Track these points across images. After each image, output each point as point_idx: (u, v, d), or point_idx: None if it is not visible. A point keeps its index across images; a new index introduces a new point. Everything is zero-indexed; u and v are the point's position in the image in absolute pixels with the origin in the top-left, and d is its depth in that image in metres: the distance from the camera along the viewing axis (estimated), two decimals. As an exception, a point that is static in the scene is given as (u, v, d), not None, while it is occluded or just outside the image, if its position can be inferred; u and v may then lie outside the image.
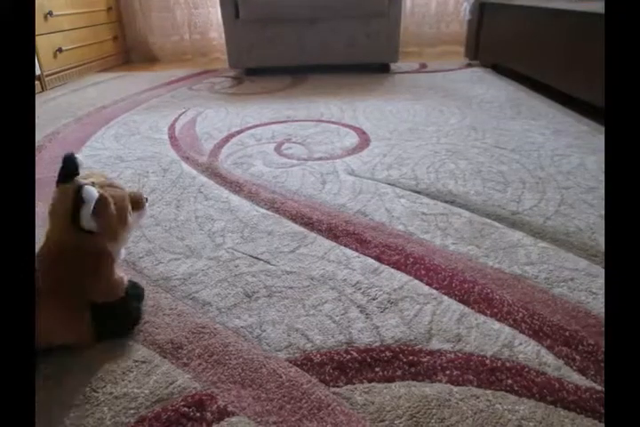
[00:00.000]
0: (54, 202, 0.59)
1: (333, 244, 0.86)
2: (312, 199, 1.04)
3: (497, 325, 0.65)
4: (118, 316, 0.65)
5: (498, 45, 2.23)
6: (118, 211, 0.61)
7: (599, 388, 0.55)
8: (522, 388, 0.55)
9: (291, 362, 0.60)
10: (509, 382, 0.56)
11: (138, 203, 0.66)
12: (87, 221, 0.57)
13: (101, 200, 0.57)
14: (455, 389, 0.55)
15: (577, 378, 0.56)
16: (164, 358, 0.61)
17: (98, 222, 0.58)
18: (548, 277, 0.74)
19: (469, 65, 2.55)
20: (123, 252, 0.68)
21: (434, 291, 0.72)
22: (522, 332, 0.63)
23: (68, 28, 2.47)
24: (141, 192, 0.68)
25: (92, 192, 0.56)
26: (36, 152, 1.40)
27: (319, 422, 0.51)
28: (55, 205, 0.59)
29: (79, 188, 0.56)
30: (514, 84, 2.07)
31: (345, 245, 0.85)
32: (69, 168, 0.60)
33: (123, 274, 0.66)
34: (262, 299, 0.72)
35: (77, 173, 0.60)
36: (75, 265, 0.60)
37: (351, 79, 2.31)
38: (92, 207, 0.56)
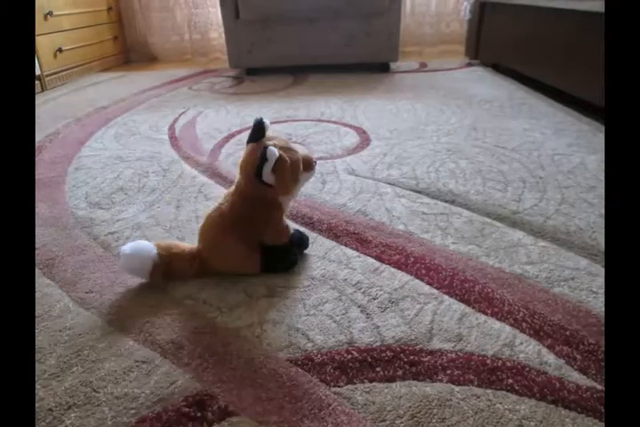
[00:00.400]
0: (245, 157, 0.73)
1: (334, 243, 0.86)
2: (312, 199, 1.04)
3: (497, 324, 0.65)
4: (280, 257, 0.78)
5: (498, 44, 2.23)
6: (292, 170, 0.71)
7: (600, 387, 0.55)
8: (522, 387, 0.55)
9: (291, 362, 0.60)
10: (510, 381, 0.56)
11: (309, 164, 0.76)
12: (267, 175, 0.69)
13: (280, 160, 0.68)
14: (456, 388, 0.55)
15: (578, 377, 0.56)
16: (165, 358, 0.61)
17: (275, 178, 0.69)
18: (548, 277, 0.74)
19: (470, 64, 2.55)
20: (290, 205, 0.82)
21: (434, 290, 0.72)
22: (522, 331, 0.63)
23: (68, 28, 2.47)
24: (312, 156, 0.78)
25: (274, 152, 0.68)
26: (36, 152, 1.40)
27: (320, 421, 0.51)
28: (245, 159, 0.73)
29: (265, 148, 0.68)
30: (514, 84, 2.07)
31: (345, 245, 0.85)
32: (259, 130, 0.72)
33: (288, 224, 0.80)
34: (263, 299, 0.72)
35: (264, 135, 0.73)
36: (254, 211, 0.74)
37: (351, 79, 2.31)
38: (272, 165, 0.68)
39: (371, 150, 1.32)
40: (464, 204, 0.99)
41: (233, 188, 0.76)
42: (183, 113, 1.79)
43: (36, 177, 1.21)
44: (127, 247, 0.73)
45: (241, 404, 0.54)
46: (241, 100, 1.99)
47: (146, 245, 0.74)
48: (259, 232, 0.75)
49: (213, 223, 0.75)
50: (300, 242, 0.83)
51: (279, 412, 0.53)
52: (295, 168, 0.72)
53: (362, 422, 0.51)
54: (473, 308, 0.68)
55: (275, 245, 0.77)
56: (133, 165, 1.28)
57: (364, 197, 1.04)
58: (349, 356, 0.60)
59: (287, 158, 0.70)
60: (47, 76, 2.31)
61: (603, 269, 0.75)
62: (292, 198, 0.79)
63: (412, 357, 0.60)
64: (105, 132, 1.60)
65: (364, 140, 1.41)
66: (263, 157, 0.68)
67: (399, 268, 0.78)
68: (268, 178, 0.69)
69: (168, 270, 0.75)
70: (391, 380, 0.57)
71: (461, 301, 0.70)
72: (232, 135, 1.50)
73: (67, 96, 2.18)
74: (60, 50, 2.39)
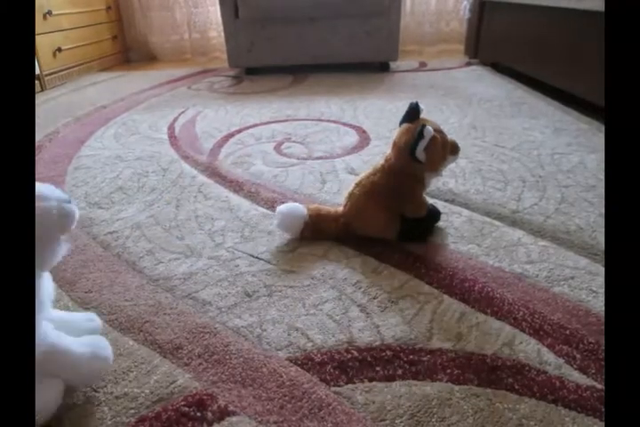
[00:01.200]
0: (399, 135, 0.80)
1: (333, 242, 0.86)
2: (312, 198, 1.04)
3: (497, 323, 0.65)
4: (416, 229, 0.85)
5: (498, 43, 2.23)
6: (442, 150, 0.79)
7: (600, 386, 0.55)
8: (522, 387, 0.55)
9: (291, 361, 0.60)
10: (510, 380, 0.56)
11: (455, 148, 0.83)
12: (420, 152, 0.75)
13: (434, 138, 0.75)
14: (456, 388, 0.55)
15: (577, 377, 0.56)
16: (165, 357, 0.61)
17: (426, 155, 0.76)
18: (548, 276, 0.74)
19: (469, 63, 2.55)
20: (432, 182, 0.89)
21: (434, 290, 0.72)
22: (522, 330, 0.63)
23: (68, 27, 2.47)
24: (457, 142, 0.84)
25: (430, 131, 0.74)
26: (36, 151, 1.40)
27: (320, 421, 0.52)
28: (400, 137, 0.80)
29: (422, 126, 0.74)
30: (514, 83, 2.07)
31: (345, 244, 0.85)
32: (415, 112, 0.80)
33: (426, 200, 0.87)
34: (262, 298, 0.72)
35: (418, 117, 0.80)
36: (400, 184, 0.81)
37: (351, 78, 2.31)
38: (426, 142, 0.74)
39: (370, 150, 1.32)
40: (464, 203, 0.99)
41: (382, 161, 0.83)
42: (183, 112, 1.79)
43: (36, 176, 1.21)
44: (283, 207, 0.84)
45: (241, 403, 0.54)
46: (240, 99, 1.99)
47: (298, 207, 0.84)
48: (401, 204, 0.82)
49: (364, 190, 0.82)
50: (433, 216, 0.89)
51: (279, 411, 0.53)
52: (444, 149, 0.79)
53: (362, 421, 0.51)
54: (472, 307, 0.68)
55: (413, 217, 0.83)
56: (133, 165, 1.28)
57: (363, 196, 1.04)
58: (349, 355, 0.60)
59: (439, 138, 0.76)
60: (47, 75, 2.31)
61: (602, 269, 0.75)
62: (436, 177, 0.85)
63: (411, 356, 0.60)
64: (104, 131, 1.60)
65: (364, 140, 1.41)
66: (420, 135, 0.74)
67: (399, 267, 0.78)
68: (421, 154, 0.76)
69: (316, 229, 0.84)
70: (391, 379, 0.57)
71: (461, 300, 0.70)
72: (231, 135, 1.50)
73: (66, 96, 2.17)
74: (59, 49, 2.39)
